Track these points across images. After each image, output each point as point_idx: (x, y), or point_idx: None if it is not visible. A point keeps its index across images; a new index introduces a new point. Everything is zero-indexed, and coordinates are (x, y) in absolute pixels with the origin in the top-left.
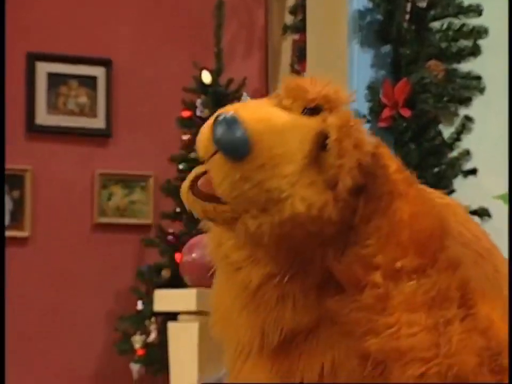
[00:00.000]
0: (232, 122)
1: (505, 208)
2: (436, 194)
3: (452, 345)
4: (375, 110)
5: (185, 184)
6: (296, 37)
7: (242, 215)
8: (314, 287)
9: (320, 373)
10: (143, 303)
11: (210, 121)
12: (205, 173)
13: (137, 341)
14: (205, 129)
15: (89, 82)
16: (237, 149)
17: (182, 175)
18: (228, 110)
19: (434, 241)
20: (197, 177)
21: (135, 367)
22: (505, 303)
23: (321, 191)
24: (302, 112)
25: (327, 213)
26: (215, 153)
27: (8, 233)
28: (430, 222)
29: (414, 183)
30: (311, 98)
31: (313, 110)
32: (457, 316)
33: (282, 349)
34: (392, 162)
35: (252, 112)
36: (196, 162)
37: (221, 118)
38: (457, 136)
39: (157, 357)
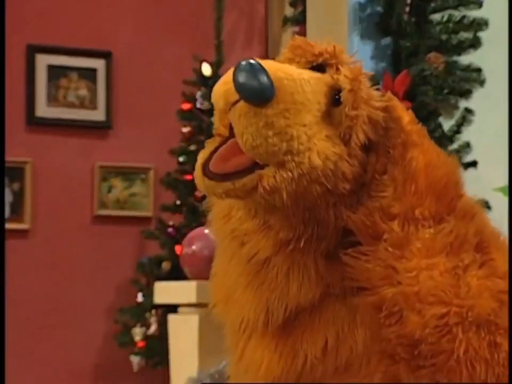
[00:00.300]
0: (255, 68)
1: (505, 200)
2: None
3: (471, 288)
4: None
5: (198, 171)
6: (296, 29)
7: (262, 174)
8: (325, 254)
9: (324, 348)
10: (143, 295)
11: (229, 73)
12: (211, 154)
13: (138, 333)
14: (225, 79)
15: (89, 74)
16: (262, 92)
17: (182, 167)
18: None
19: (450, 190)
20: (206, 162)
21: (135, 359)
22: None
23: (336, 145)
24: (310, 68)
25: (341, 168)
26: (236, 102)
27: (8, 226)
28: (445, 171)
29: (426, 134)
30: (317, 53)
31: (319, 67)
32: (476, 261)
33: (286, 326)
34: (405, 114)
35: (270, 63)
36: (196, 155)
37: (243, 64)
38: (458, 129)
39: (157, 349)
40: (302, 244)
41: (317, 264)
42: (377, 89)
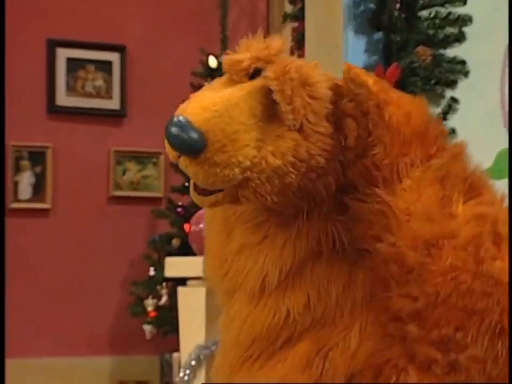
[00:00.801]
0: (180, 125)
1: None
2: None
3: (458, 215)
4: None
5: (191, 189)
6: (296, 24)
7: (238, 193)
8: (320, 218)
9: (306, 304)
10: (155, 270)
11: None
12: None
13: (150, 304)
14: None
15: (105, 66)
16: (194, 146)
17: None
18: (176, 114)
19: (432, 133)
20: None
21: (147, 328)
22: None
23: (287, 139)
24: (249, 79)
25: (302, 152)
26: (179, 156)
27: (30, 205)
28: (423, 116)
29: (390, 87)
30: (246, 67)
31: (256, 73)
32: (464, 193)
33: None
34: (369, 78)
35: (196, 105)
36: None
37: (170, 125)
38: (444, 116)
39: (168, 318)
40: (305, 216)
41: (312, 227)
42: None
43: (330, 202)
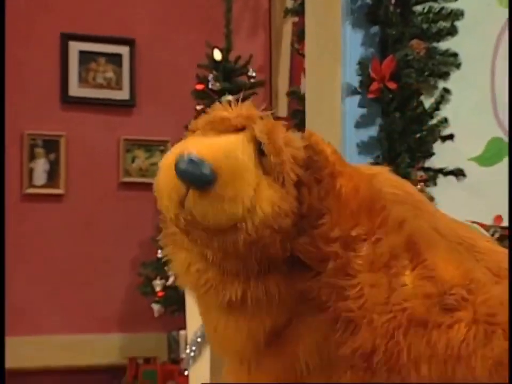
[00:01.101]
0: (192, 159)
1: (478, 168)
2: (364, 167)
3: (406, 292)
4: (365, 83)
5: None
6: (296, 19)
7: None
8: (282, 281)
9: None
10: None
11: (170, 169)
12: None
13: (158, 284)
14: (166, 177)
15: (115, 59)
16: (205, 179)
17: None
18: (181, 153)
19: (377, 205)
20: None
21: (155, 307)
22: (446, 245)
23: (276, 190)
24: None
25: (284, 207)
26: (187, 193)
27: (45, 191)
28: (370, 191)
29: (345, 161)
30: (235, 122)
31: (240, 129)
32: (407, 267)
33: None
34: (327, 147)
35: (201, 145)
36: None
37: (181, 159)
38: (437, 106)
39: (175, 298)
40: (260, 278)
41: (279, 291)
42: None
43: (282, 268)
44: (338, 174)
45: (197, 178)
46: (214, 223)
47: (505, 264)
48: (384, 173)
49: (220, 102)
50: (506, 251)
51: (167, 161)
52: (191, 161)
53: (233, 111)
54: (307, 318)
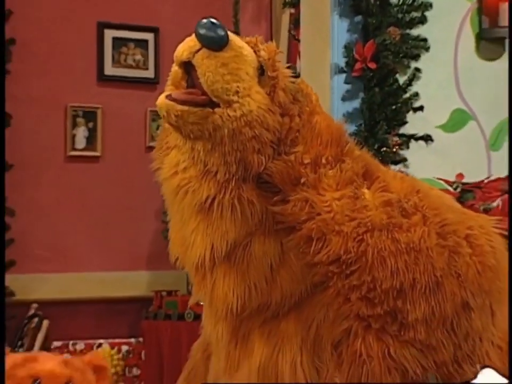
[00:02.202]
0: (213, 22)
1: (444, 134)
2: None
3: (368, 204)
4: (350, 64)
5: (162, 97)
6: (293, 10)
7: (213, 112)
8: (254, 194)
9: (267, 277)
10: None
11: (189, 38)
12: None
13: None
14: (186, 41)
15: (142, 44)
16: (220, 40)
17: None
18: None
19: (342, 140)
20: (169, 95)
21: None
22: (386, 170)
23: (265, 98)
24: None
25: (267, 118)
26: (197, 51)
27: (84, 153)
28: (338, 129)
29: (322, 108)
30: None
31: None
32: (366, 185)
33: (230, 260)
34: (313, 93)
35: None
36: None
37: (204, 21)
38: (409, 82)
39: None
40: (233, 183)
41: (250, 205)
42: (288, 67)
43: (252, 182)
44: (316, 113)
45: (212, 36)
46: (209, 83)
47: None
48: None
49: None
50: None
51: (188, 39)
52: (211, 23)
53: (249, 40)
54: (265, 240)
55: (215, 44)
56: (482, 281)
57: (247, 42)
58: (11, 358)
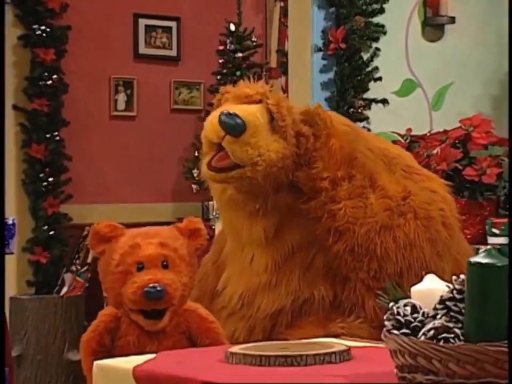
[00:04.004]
0: (230, 114)
1: (397, 98)
2: (335, 117)
3: (373, 209)
4: (326, 44)
5: (204, 167)
6: (282, 3)
7: (244, 171)
8: (288, 198)
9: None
10: (198, 152)
11: (214, 120)
12: (210, 160)
13: (195, 172)
14: (211, 125)
15: (167, 30)
16: (238, 128)
17: (219, 82)
18: (223, 110)
19: (353, 157)
20: (209, 163)
21: (194, 186)
22: (382, 167)
23: (280, 143)
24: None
25: (286, 153)
26: (224, 137)
27: (124, 114)
28: (349, 148)
29: (335, 125)
30: (255, 97)
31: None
32: (371, 193)
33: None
34: (328, 116)
35: (235, 108)
36: (227, 76)
37: (224, 113)
38: (371, 59)
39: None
40: (270, 197)
41: (286, 204)
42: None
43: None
44: (332, 136)
45: (233, 126)
46: (238, 159)
47: (410, 162)
48: (336, 116)
49: (235, 59)
50: (402, 150)
51: (212, 117)
52: (229, 114)
53: (253, 89)
54: (295, 226)
55: (236, 131)
56: (450, 246)
57: (258, 93)
58: (122, 245)
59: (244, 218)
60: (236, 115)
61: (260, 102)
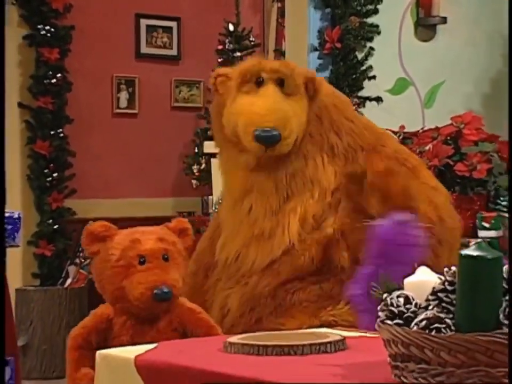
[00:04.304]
0: (267, 130)
1: (390, 96)
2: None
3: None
4: (322, 44)
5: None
6: (280, 4)
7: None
8: None
9: None
10: (198, 148)
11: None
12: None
13: (195, 168)
14: (251, 142)
15: (168, 30)
16: (275, 139)
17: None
18: (259, 125)
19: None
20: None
21: (194, 181)
22: (428, 190)
23: (298, 103)
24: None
25: (305, 107)
26: (266, 150)
27: (126, 111)
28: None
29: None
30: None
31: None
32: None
33: None
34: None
35: (265, 111)
36: None
37: (260, 132)
38: (365, 58)
39: (206, 176)
40: None
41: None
42: None
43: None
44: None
45: (270, 140)
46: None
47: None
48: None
49: (233, 58)
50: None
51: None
52: (265, 130)
53: (249, 62)
54: None
55: (273, 142)
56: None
57: (255, 66)
58: (121, 241)
59: (258, 168)
60: (271, 129)
61: (259, 78)
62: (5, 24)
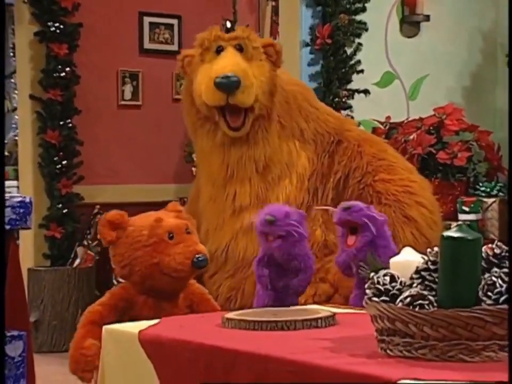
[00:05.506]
0: (226, 76)
1: (377, 89)
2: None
3: None
4: (313, 40)
5: (226, 131)
6: (274, 3)
7: (256, 107)
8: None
9: None
10: None
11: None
12: (225, 122)
13: (195, 156)
14: (209, 94)
15: (169, 27)
16: (235, 84)
17: None
18: (221, 70)
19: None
20: (228, 126)
21: (194, 169)
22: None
23: (260, 65)
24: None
25: (267, 67)
26: (227, 98)
27: (130, 103)
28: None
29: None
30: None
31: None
32: None
33: None
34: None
35: (229, 63)
36: None
37: (219, 78)
38: (354, 53)
39: None
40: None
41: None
42: None
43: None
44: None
45: (229, 85)
46: (244, 105)
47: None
48: (284, 74)
49: None
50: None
51: (204, 86)
52: (224, 76)
53: (209, 33)
54: None
55: (233, 87)
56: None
57: (215, 36)
58: (144, 223)
59: (235, 152)
60: (231, 75)
61: (218, 47)
62: (5, 24)
